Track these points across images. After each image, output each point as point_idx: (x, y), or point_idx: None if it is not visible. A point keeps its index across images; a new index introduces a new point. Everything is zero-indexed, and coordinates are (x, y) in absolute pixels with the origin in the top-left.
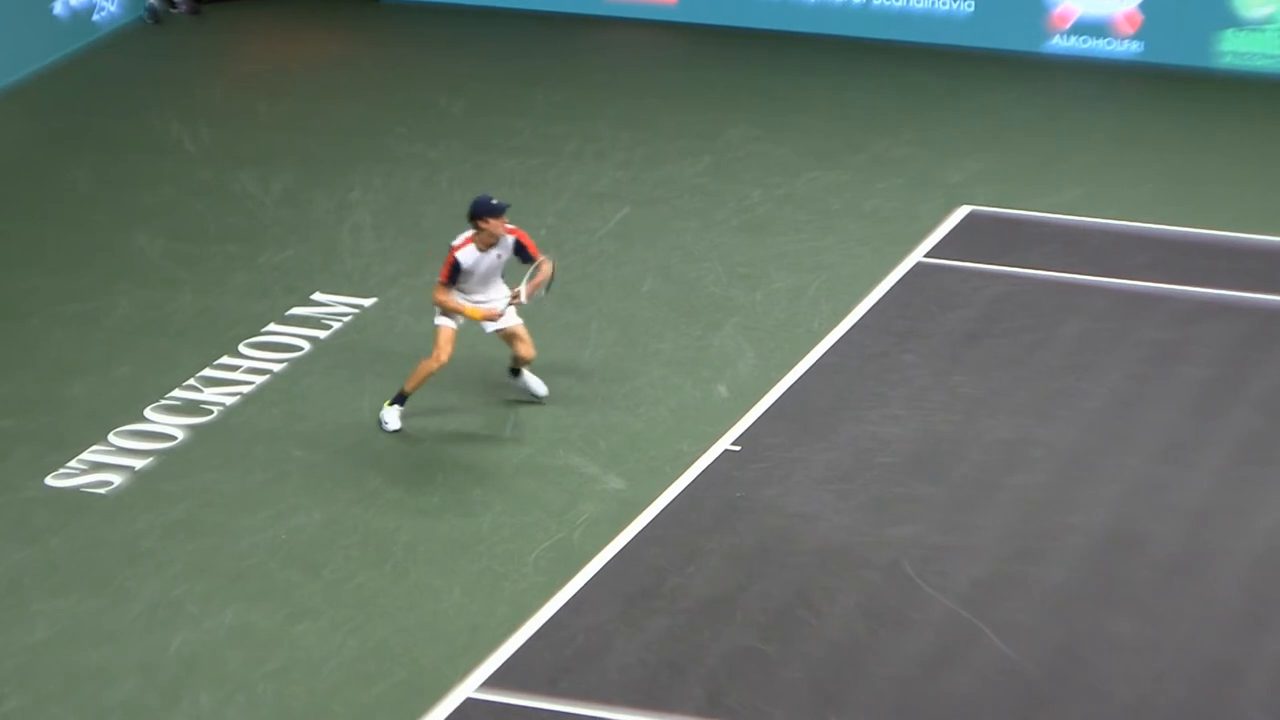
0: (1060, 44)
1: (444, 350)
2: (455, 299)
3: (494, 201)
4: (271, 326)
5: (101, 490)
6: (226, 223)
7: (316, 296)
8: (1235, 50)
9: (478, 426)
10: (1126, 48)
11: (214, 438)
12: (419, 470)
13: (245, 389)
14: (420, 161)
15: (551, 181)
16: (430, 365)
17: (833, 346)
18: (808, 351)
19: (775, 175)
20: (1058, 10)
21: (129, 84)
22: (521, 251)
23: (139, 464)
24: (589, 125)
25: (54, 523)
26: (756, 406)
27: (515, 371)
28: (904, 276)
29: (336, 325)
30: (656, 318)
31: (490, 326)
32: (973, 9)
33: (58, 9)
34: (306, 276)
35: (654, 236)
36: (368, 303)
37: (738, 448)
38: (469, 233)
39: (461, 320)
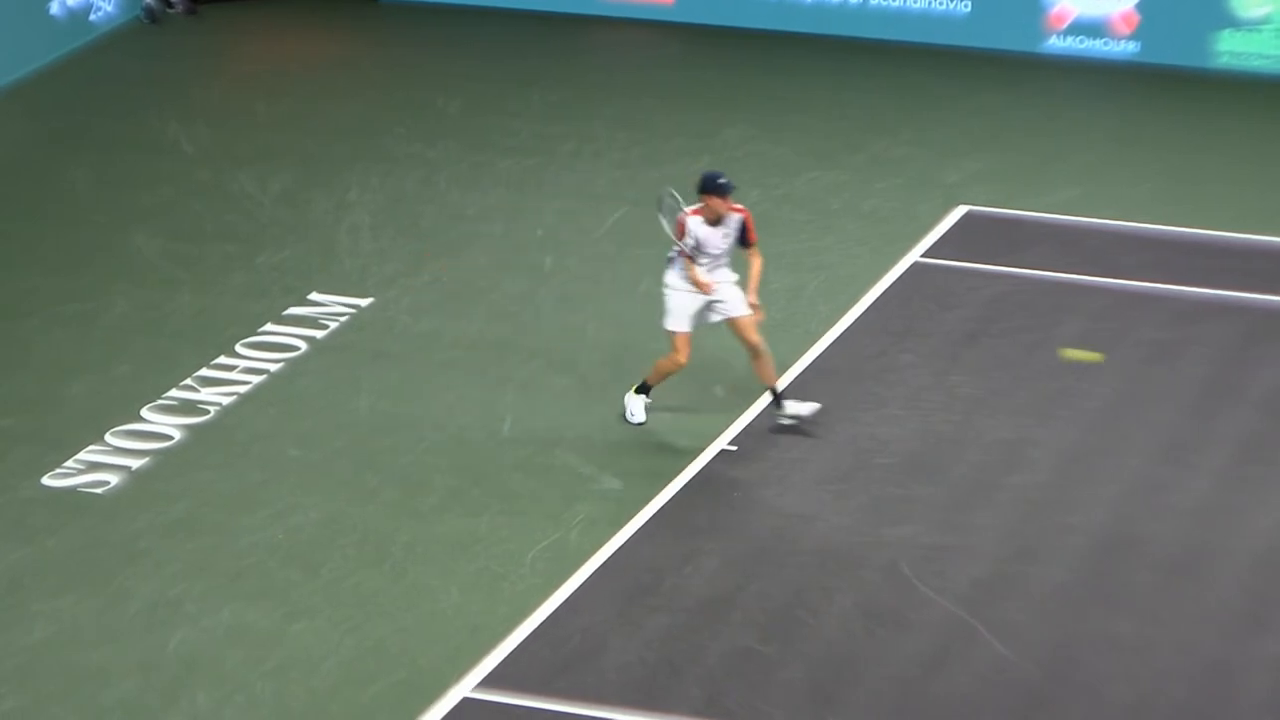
0: (1057, 44)
1: (681, 353)
2: (694, 269)
3: (720, 180)
4: (269, 326)
5: (99, 490)
6: (224, 223)
7: (314, 296)
8: (1232, 50)
9: (475, 426)
10: (1123, 48)
11: (211, 438)
12: (417, 470)
13: (242, 389)
14: (418, 161)
15: (549, 181)
16: (668, 366)
17: (830, 346)
18: (805, 351)
19: (773, 175)
20: (1055, 10)
21: (126, 84)
22: (743, 234)
23: (136, 464)
24: (586, 125)
25: (52, 523)
26: (754, 406)
27: (777, 400)
28: (902, 276)
29: (334, 325)
30: (653, 317)
31: (715, 316)
32: (970, 9)
33: (54, 9)
34: (304, 276)
35: (651, 236)
36: (365, 303)
37: (735, 448)
38: (696, 205)
39: (691, 317)
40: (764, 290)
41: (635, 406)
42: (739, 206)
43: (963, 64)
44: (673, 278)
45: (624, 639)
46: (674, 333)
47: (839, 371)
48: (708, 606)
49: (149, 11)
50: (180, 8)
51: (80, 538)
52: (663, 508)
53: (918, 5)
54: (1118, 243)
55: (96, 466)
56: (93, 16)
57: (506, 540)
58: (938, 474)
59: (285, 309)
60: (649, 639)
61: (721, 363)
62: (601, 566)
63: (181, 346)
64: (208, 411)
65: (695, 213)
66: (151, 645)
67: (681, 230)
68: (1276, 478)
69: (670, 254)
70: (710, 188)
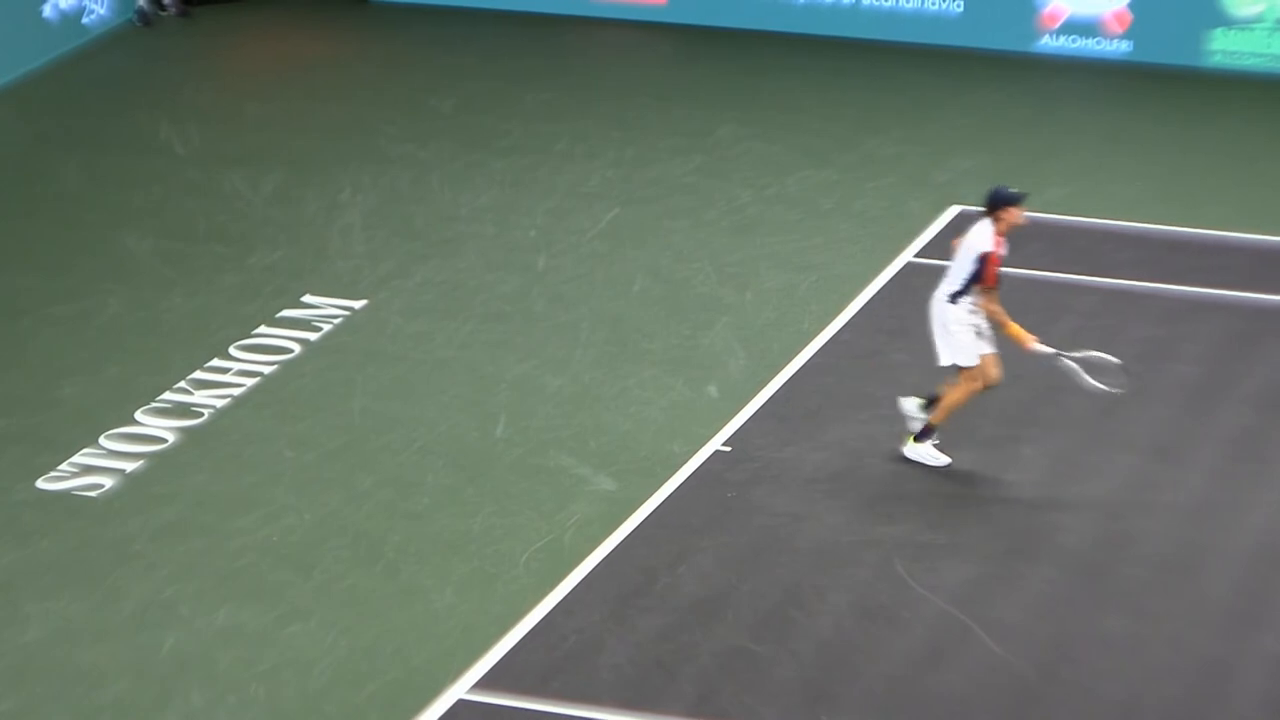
0: (1050, 43)
1: (992, 372)
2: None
3: (1014, 190)
4: (262, 329)
5: (92, 493)
6: (216, 223)
7: (307, 299)
8: (1224, 49)
9: (469, 427)
10: (1116, 47)
11: (204, 440)
12: (410, 471)
13: (236, 391)
14: (410, 161)
15: (542, 181)
16: (975, 387)
17: (823, 346)
18: (798, 351)
19: (765, 175)
20: (1047, 10)
21: (119, 85)
22: None
23: (129, 467)
24: (579, 125)
25: (45, 525)
26: (747, 406)
27: (929, 403)
28: (894, 276)
29: (327, 327)
30: (647, 317)
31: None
32: (962, 9)
33: (47, 12)
34: (297, 278)
35: (644, 236)
36: (358, 304)
37: (728, 448)
38: (990, 226)
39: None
40: (757, 289)
41: (929, 454)
42: None
43: (955, 64)
44: (960, 314)
45: (617, 639)
46: (975, 364)
47: (831, 371)
48: (702, 606)
49: (141, 14)
50: (173, 10)
51: (74, 540)
52: (657, 508)
53: (910, 5)
54: (1109, 241)
55: (90, 469)
56: (85, 19)
57: (500, 540)
58: (929, 472)
59: (278, 311)
60: (643, 639)
61: (715, 363)
62: (595, 567)
63: (174, 348)
64: (201, 414)
65: (998, 239)
66: (145, 646)
67: (995, 267)
68: (1268, 475)
69: (955, 289)
70: (1009, 199)
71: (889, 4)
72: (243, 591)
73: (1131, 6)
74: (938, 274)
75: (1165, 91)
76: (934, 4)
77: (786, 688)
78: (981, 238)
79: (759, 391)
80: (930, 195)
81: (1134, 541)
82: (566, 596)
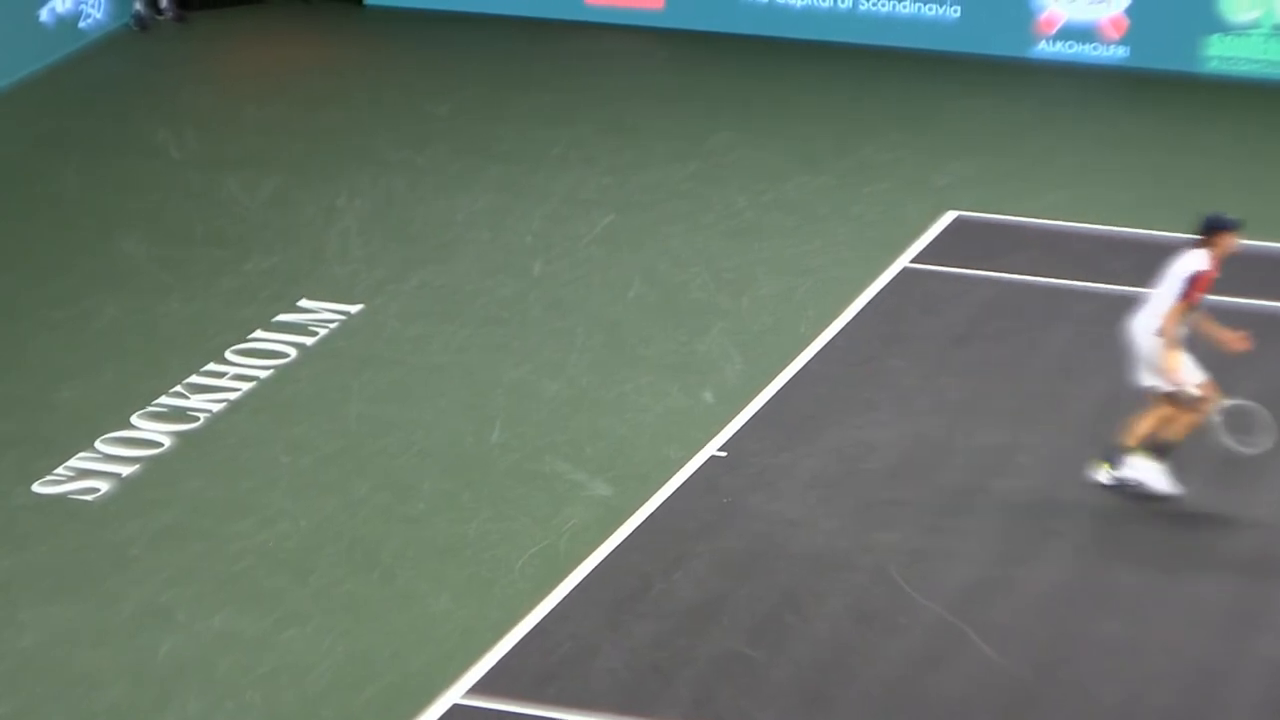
0: (1046, 49)
1: (1207, 398)
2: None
3: (1229, 217)
4: (258, 333)
5: (89, 498)
6: (213, 227)
7: (303, 303)
8: (1221, 55)
9: (465, 432)
10: (1112, 53)
11: (200, 445)
12: (406, 475)
13: (232, 396)
14: (407, 166)
15: (538, 186)
16: (1196, 416)
17: (819, 352)
18: (794, 357)
19: (761, 180)
20: (1044, 15)
21: (116, 90)
22: None
23: (126, 471)
24: (575, 130)
25: (42, 529)
26: (743, 412)
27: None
28: (891, 282)
29: (323, 332)
30: (643, 323)
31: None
32: (959, 14)
33: (44, 16)
34: (293, 282)
35: (640, 242)
36: (354, 309)
37: (724, 453)
38: (1204, 253)
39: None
40: (754, 295)
41: (1152, 474)
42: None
43: (952, 69)
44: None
45: (613, 645)
46: (1195, 386)
47: (828, 376)
48: (697, 611)
49: (138, 18)
50: (169, 14)
51: (70, 544)
52: (652, 514)
53: (907, 10)
54: (1106, 247)
55: (87, 474)
56: (82, 24)
57: (496, 546)
58: (926, 478)
59: (274, 315)
60: (638, 644)
61: (711, 369)
62: (591, 573)
63: (171, 353)
64: (197, 419)
65: (1216, 262)
66: (142, 651)
67: (1206, 285)
68: (1264, 479)
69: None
70: (1225, 225)
71: (885, 9)
72: (240, 596)
73: (1128, 12)
74: (934, 280)
75: (1162, 97)
76: (930, 9)
77: (782, 692)
78: (1194, 261)
79: (755, 397)
80: (927, 200)
81: (1131, 544)
82: (562, 602)
